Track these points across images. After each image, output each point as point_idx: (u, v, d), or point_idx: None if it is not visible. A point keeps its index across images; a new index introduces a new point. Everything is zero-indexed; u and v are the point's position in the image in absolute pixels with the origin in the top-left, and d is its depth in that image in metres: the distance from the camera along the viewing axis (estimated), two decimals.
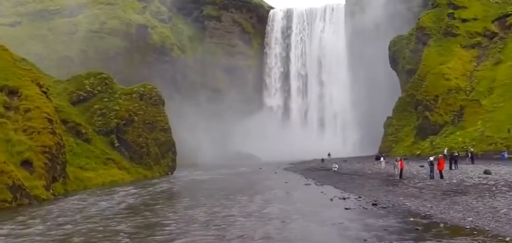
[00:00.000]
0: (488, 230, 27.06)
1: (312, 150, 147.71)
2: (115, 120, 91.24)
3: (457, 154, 66.65)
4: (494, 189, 41.35)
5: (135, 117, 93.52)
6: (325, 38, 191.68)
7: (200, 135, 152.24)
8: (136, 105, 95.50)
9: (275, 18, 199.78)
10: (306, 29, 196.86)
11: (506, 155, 68.93)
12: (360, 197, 44.07)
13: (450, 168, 62.71)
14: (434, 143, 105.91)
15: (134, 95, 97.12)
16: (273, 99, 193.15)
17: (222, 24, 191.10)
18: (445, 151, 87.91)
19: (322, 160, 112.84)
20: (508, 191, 39.31)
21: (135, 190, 60.06)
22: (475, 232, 26.87)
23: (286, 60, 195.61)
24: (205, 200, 46.87)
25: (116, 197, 52.94)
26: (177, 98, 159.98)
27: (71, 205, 46.60)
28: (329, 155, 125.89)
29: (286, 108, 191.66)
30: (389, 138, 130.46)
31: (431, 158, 53.86)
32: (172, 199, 53.55)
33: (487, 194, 38.65)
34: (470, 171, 58.42)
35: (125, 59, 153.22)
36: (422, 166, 72.52)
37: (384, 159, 78.51)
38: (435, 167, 52.93)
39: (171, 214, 38.55)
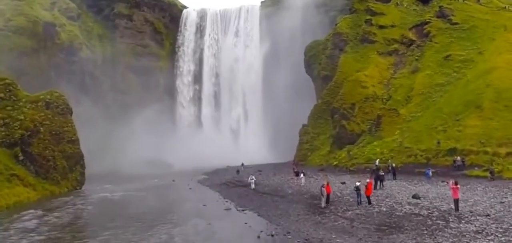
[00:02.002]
0: None
1: (225, 155, 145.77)
2: (20, 131, 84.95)
3: (382, 174, 64.57)
4: (429, 222, 39.25)
5: (41, 128, 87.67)
6: (239, 40, 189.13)
7: (110, 140, 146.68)
8: (42, 114, 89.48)
9: (188, 18, 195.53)
10: (220, 30, 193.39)
11: (430, 173, 67.56)
12: (288, 233, 40.83)
13: (375, 187, 60.67)
14: (351, 153, 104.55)
15: (40, 103, 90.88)
16: (185, 102, 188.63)
17: (133, 23, 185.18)
18: (377, 162, 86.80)
19: (237, 171, 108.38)
20: (445, 227, 37.38)
21: (35, 220, 54.01)
22: None
23: (199, 62, 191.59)
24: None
25: (12, 232, 47.30)
26: (85, 102, 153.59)
27: None
28: (242, 164, 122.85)
29: (198, 112, 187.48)
30: (304, 146, 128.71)
31: (357, 183, 51.32)
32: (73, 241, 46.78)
33: (425, 232, 36.54)
34: (397, 193, 56.41)
35: (31, 60, 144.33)
36: (343, 183, 70.74)
37: (304, 175, 75.84)
38: (362, 191, 50.60)
39: None
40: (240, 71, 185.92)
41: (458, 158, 77.74)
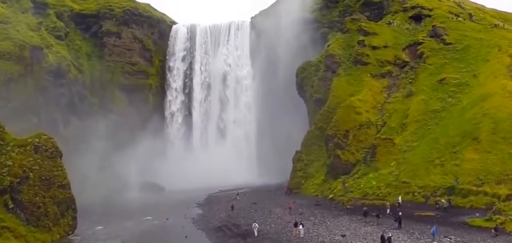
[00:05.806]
0: None
1: (216, 177, 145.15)
2: (9, 178, 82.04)
3: (390, 235, 62.44)
4: None
5: (31, 174, 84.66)
6: (230, 56, 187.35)
7: (101, 163, 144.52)
8: (31, 159, 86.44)
9: (178, 35, 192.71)
10: (210, 47, 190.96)
11: (436, 231, 65.60)
12: None
13: None
14: (346, 184, 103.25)
15: (28, 147, 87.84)
16: (175, 121, 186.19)
17: (122, 41, 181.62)
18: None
19: (232, 207, 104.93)
20: None
21: None
22: None
23: (189, 79, 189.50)
24: None
25: None
26: (73, 123, 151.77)
27: None
28: (238, 194, 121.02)
29: (189, 131, 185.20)
30: (298, 174, 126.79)
31: None
32: None
33: None
34: None
35: (18, 86, 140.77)
36: (343, 236, 68.92)
37: (302, 226, 73.81)
38: None
39: None
40: (231, 88, 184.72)
41: (443, 200, 77.93)
